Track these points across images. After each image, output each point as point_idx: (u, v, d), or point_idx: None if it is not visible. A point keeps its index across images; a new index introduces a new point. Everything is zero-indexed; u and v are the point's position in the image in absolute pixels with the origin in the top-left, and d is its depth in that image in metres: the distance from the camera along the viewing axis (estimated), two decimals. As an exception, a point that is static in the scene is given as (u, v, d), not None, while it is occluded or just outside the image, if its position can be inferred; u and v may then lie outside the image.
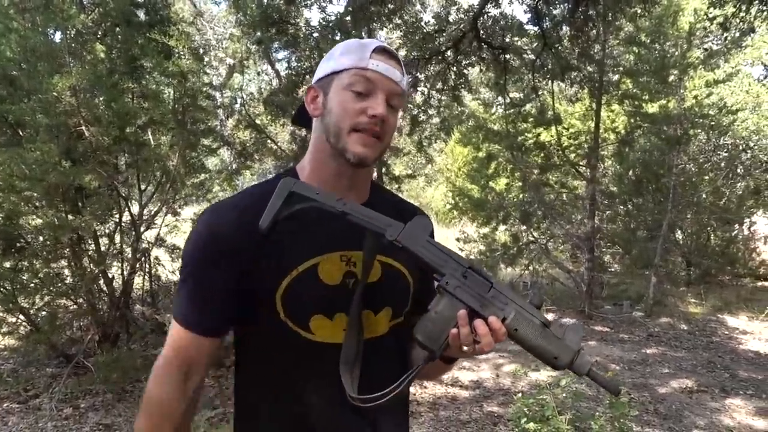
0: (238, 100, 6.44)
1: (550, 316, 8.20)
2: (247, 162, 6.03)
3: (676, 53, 8.68)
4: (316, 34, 7.03)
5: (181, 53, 4.82)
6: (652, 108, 8.92)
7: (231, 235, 1.10)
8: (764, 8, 6.80)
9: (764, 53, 10.59)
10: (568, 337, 1.02)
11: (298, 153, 6.85)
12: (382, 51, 1.14)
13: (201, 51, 6.26)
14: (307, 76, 6.40)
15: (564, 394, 4.31)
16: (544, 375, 5.48)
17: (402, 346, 1.25)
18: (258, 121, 6.37)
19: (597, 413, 4.27)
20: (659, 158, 9.18)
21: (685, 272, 10.78)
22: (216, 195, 5.79)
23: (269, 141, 6.31)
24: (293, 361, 1.14)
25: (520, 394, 4.14)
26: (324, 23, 6.94)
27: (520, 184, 9.72)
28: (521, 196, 9.84)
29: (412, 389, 4.99)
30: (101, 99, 4.84)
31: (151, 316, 4.97)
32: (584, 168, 9.03)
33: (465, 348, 1.03)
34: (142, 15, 5.80)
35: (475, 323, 1.02)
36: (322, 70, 1.17)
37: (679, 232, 10.52)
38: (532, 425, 3.81)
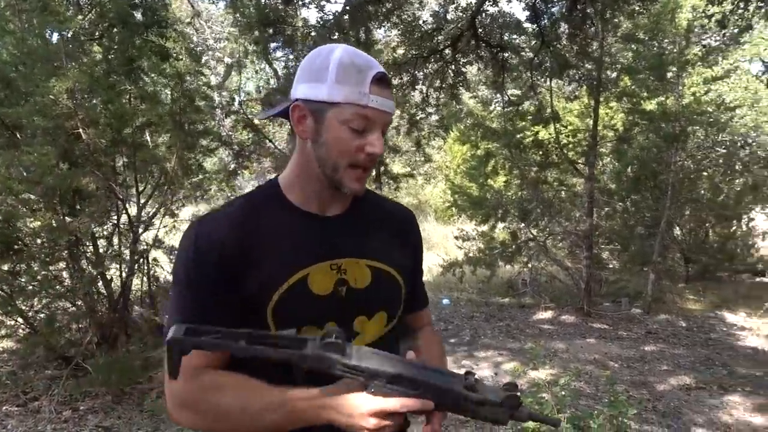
0: (237, 100, 6.43)
1: (548, 314, 8.21)
2: (245, 162, 6.02)
3: (675, 50, 8.68)
4: (314, 34, 7.03)
5: (179, 54, 4.81)
6: (650, 105, 8.92)
7: (221, 245, 1.10)
8: (762, 5, 6.80)
9: (762, 50, 10.58)
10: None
11: (290, 150, 6.84)
12: (379, 81, 1.10)
13: (199, 51, 6.25)
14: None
15: (563, 392, 4.32)
16: (543, 374, 5.49)
17: (395, 344, 1.30)
18: (256, 121, 6.36)
19: (596, 411, 4.28)
20: (657, 155, 9.17)
21: (684, 269, 10.78)
22: (214, 196, 5.79)
23: (267, 141, 6.30)
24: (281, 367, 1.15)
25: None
26: (321, 22, 6.94)
27: (519, 181, 9.71)
28: (519, 193, 9.84)
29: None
30: (98, 101, 4.85)
31: (149, 318, 4.97)
32: (582, 166, 9.02)
33: None
34: (139, 16, 5.80)
35: None
36: (311, 90, 1.10)
37: (677, 228, 10.52)
38: (531, 423, 3.80)
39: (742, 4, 6.59)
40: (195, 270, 1.10)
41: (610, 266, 10.53)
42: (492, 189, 10.03)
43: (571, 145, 9.21)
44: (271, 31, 5.25)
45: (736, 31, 8.30)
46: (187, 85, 4.86)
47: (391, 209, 1.37)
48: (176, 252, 1.18)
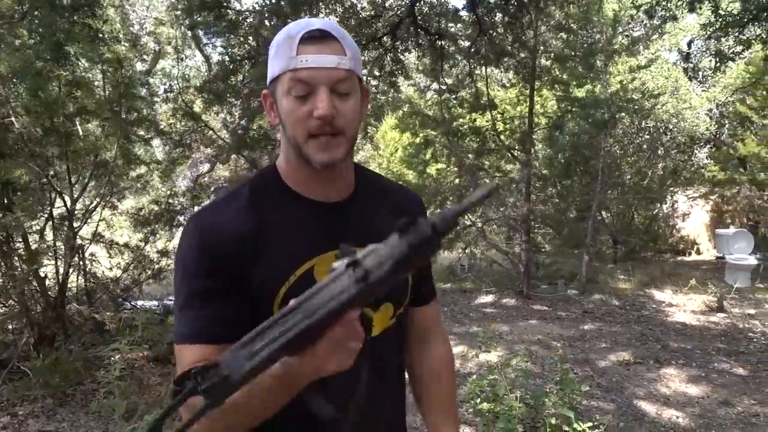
0: (174, 88, 6.17)
1: (490, 298, 8.40)
2: (184, 152, 5.81)
3: (602, 39, 9.01)
4: (250, 19, 6.86)
5: (117, 37, 4.56)
6: (579, 93, 9.24)
7: (224, 237, 1.04)
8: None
9: (680, 39, 11.13)
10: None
11: (235, 140, 6.68)
12: (308, 39, 1.02)
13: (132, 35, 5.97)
14: (245, 62, 6.23)
15: (514, 374, 4.44)
16: (494, 356, 5.62)
17: (402, 334, 1.26)
18: (195, 109, 6.14)
19: (548, 389, 4.42)
20: (588, 141, 9.52)
21: (612, 250, 11.28)
22: (156, 188, 5.56)
23: (207, 129, 6.09)
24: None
25: (474, 376, 4.22)
26: (259, 8, 6.76)
27: (456, 168, 9.86)
28: (457, 180, 10.00)
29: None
30: (24, 87, 4.54)
31: (89, 315, 4.74)
32: (518, 152, 9.24)
33: None
34: (64, -3, 5.47)
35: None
36: (268, 75, 1.09)
37: (605, 211, 10.99)
38: (485, 405, 3.88)
39: (667, -5, 6.89)
40: (199, 264, 1.03)
41: (543, 249, 10.91)
42: (431, 176, 10.15)
43: (507, 132, 9.41)
44: (211, 16, 5.05)
45: (658, 22, 8.70)
46: (124, 71, 4.61)
47: (397, 192, 1.30)
48: (176, 246, 1.10)
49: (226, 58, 6.74)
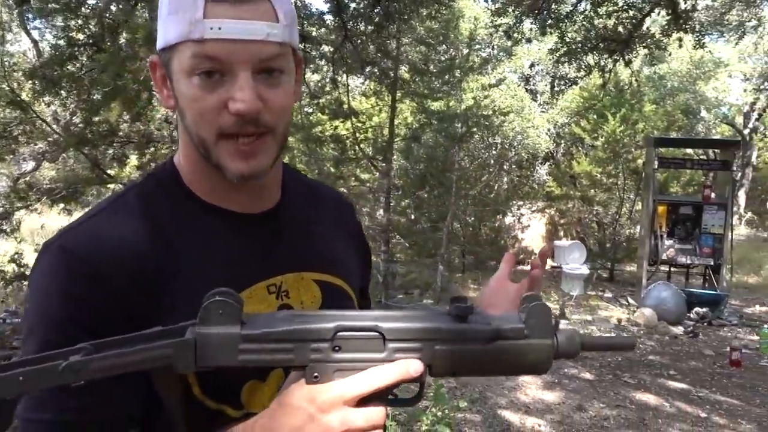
0: (-4, 71, 5.29)
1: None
2: (10, 145, 4.96)
3: (458, 57, 9.34)
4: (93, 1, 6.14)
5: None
6: (434, 106, 9.49)
7: (113, 269, 0.71)
8: (535, 23, 7.59)
9: (524, 62, 11.92)
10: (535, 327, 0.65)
11: (70, 135, 5.92)
12: None
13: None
14: (86, 48, 5.52)
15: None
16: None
17: None
18: (23, 97, 5.32)
19: (422, 408, 4.33)
20: (443, 154, 9.79)
21: (460, 260, 11.71)
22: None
23: (38, 121, 5.29)
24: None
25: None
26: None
27: (315, 176, 9.66)
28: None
29: None
30: None
31: None
32: (378, 162, 9.26)
33: None
34: None
35: None
36: (158, 35, 0.75)
37: (456, 222, 11.39)
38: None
39: (522, 18, 7.27)
40: (73, 315, 0.69)
41: (397, 260, 11.04)
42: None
43: (368, 141, 9.40)
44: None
45: (510, 44, 9.21)
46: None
47: (329, 196, 1.02)
48: (29, 288, 0.74)
49: (62, 42, 5.95)
